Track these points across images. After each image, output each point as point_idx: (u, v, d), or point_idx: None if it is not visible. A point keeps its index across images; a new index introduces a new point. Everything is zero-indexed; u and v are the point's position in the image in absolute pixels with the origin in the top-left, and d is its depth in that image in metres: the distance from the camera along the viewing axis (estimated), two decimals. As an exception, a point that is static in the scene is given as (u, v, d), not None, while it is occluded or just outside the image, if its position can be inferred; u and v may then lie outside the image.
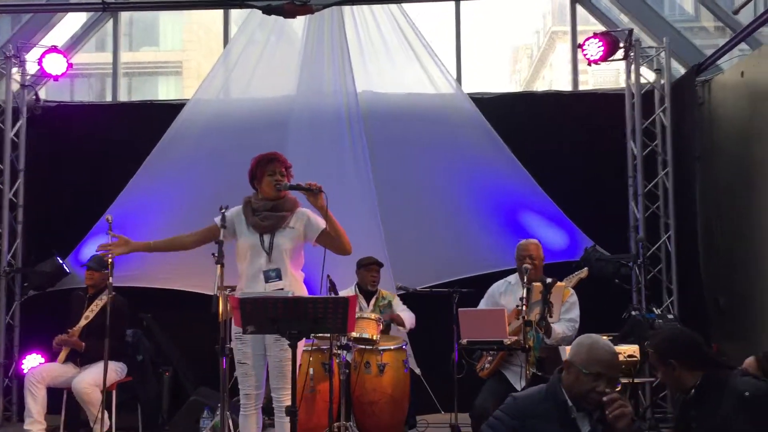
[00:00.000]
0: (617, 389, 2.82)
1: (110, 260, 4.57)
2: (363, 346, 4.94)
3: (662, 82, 6.26)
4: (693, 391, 2.98)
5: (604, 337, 4.63)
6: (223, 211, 3.90)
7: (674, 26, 6.76)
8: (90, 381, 5.02)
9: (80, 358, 5.32)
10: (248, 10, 6.22)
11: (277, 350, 3.89)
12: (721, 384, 2.91)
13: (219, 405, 4.57)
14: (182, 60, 20.33)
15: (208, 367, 4.97)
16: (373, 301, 5.51)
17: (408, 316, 5.53)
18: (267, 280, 3.96)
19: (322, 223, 3.99)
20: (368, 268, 5.52)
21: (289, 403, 3.41)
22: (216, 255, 3.65)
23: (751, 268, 5.65)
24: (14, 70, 6.34)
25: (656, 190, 6.23)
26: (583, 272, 4.77)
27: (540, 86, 28.54)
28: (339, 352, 4.66)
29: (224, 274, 3.61)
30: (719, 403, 2.88)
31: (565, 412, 2.83)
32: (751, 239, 5.64)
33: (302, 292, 4.11)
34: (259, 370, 4.01)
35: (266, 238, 4.00)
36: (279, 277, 3.97)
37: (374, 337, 4.89)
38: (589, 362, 2.81)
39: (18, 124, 6.42)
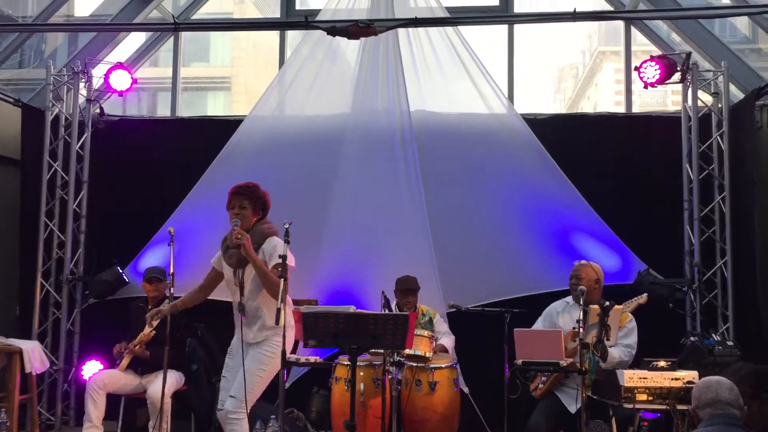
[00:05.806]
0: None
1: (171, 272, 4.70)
2: (414, 364, 4.96)
3: (719, 105, 6.20)
4: None
5: (661, 363, 4.58)
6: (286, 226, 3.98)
7: (730, 48, 6.69)
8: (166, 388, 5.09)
9: (141, 367, 5.46)
10: (301, 34, 6.34)
11: None
12: None
13: (272, 417, 4.66)
14: (231, 76, 20.67)
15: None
16: None
17: (449, 342, 5.50)
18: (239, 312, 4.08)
19: (273, 261, 3.98)
20: (404, 293, 5.46)
21: None
22: (278, 269, 3.75)
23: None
24: (81, 84, 6.56)
25: (712, 215, 6.14)
26: (642, 298, 4.66)
27: (585, 106, 28.26)
28: (390, 368, 4.68)
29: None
30: None
31: None
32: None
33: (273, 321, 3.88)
34: None
35: (239, 272, 4.08)
36: (244, 314, 4.08)
37: (427, 355, 4.90)
38: None
39: (83, 137, 6.64)
